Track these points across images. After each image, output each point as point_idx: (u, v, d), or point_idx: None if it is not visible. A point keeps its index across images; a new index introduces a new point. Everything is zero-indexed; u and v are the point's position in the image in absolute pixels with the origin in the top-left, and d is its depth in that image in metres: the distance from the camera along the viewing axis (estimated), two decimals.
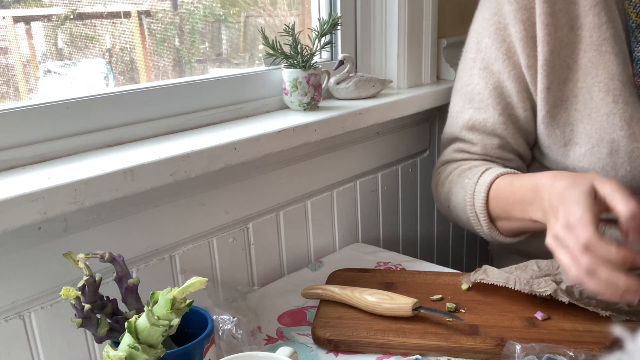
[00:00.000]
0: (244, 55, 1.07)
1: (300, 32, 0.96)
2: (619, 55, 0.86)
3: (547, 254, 0.88)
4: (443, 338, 0.73)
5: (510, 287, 0.80)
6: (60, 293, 0.58)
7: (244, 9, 1.05)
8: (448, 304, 0.82)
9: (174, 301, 0.55)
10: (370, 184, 1.14)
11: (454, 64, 1.17)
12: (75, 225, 0.71)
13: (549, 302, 0.79)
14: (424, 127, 1.25)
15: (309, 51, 0.96)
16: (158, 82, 0.87)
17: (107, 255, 0.62)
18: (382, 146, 1.15)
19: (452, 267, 1.00)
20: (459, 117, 0.98)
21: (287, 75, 0.96)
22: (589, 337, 0.73)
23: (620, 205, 0.65)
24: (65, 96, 0.76)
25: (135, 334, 0.55)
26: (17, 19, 0.77)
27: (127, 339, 0.55)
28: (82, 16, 0.83)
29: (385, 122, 1.08)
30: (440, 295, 0.84)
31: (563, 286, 0.77)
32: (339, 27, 0.99)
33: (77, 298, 0.58)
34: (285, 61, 0.96)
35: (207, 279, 0.55)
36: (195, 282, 0.55)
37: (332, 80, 1.04)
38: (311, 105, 0.97)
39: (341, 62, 1.04)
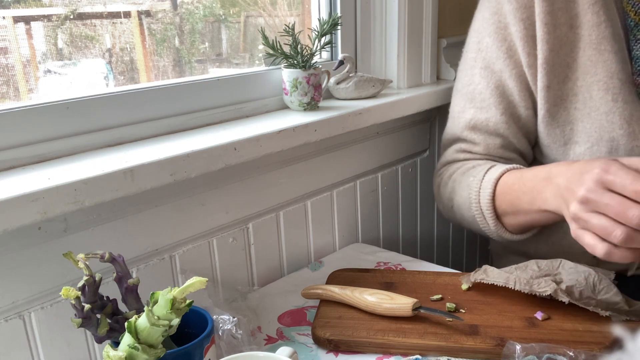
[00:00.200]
0: (244, 55, 1.07)
1: (300, 32, 0.96)
2: (618, 54, 0.86)
3: (547, 255, 0.88)
4: (443, 338, 0.73)
5: (510, 287, 0.80)
6: (60, 293, 0.58)
7: (244, 9, 1.05)
8: (448, 304, 0.81)
9: (174, 301, 0.55)
10: (370, 184, 1.14)
11: (454, 64, 1.17)
12: (75, 225, 0.71)
13: (549, 302, 0.79)
14: (424, 127, 1.25)
15: (309, 51, 0.96)
16: (158, 82, 0.87)
17: (107, 255, 0.62)
18: (382, 146, 1.15)
19: (452, 267, 1.00)
20: (460, 118, 0.98)
21: (287, 75, 0.96)
22: (589, 337, 0.73)
23: None
24: (65, 96, 0.76)
25: (135, 334, 0.55)
26: (17, 19, 0.77)
27: (127, 339, 0.55)
28: (82, 16, 0.83)
29: (385, 122, 1.08)
30: (440, 295, 0.84)
31: (563, 286, 0.77)
32: (339, 27, 0.99)
33: (77, 298, 0.58)
34: (285, 61, 0.96)
35: (207, 279, 0.55)
36: (195, 282, 0.55)
37: (332, 80, 1.04)
38: (311, 105, 0.97)
39: (341, 62, 1.04)
